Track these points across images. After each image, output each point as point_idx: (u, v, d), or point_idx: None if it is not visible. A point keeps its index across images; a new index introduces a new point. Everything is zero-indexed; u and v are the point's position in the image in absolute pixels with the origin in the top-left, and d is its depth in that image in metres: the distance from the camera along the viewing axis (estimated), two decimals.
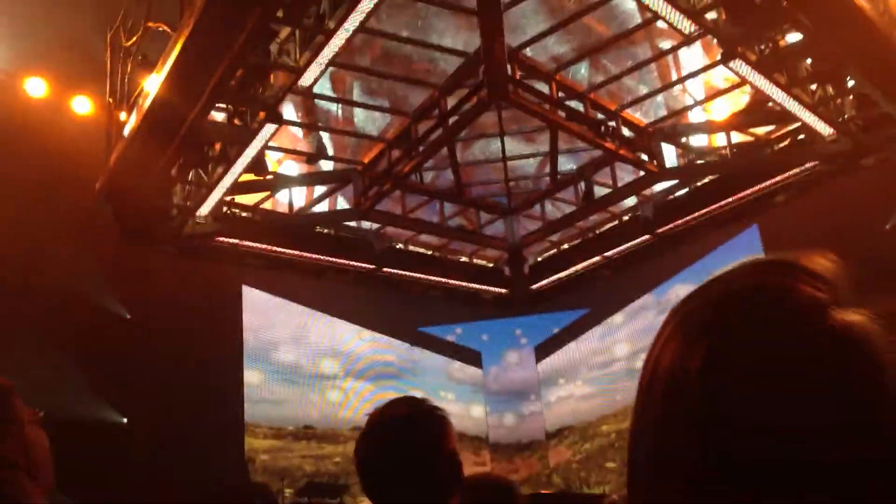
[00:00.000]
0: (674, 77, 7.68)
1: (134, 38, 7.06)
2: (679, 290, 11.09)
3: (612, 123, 7.49)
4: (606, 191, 8.72)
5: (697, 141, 8.37)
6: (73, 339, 8.94)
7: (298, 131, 8.11)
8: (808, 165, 8.17)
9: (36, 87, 9.34)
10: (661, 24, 6.90)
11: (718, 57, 6.55)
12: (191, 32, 5.54)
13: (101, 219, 7.96)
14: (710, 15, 6.01)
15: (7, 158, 8.64)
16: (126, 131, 6.93)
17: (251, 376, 10.78)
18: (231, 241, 8.28)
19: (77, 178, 7.92)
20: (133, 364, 9.23)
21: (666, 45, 7.31)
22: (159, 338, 9.41)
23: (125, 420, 9.56)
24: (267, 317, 11.12)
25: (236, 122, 6.47)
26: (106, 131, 7.46)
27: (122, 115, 7.13)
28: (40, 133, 8.95)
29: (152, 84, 6.34)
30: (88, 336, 9.09)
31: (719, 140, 8.31)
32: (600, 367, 12.18)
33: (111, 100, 7.47)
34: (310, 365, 11.49)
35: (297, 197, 8.40)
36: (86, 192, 7.56)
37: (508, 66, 6.33)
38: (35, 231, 8.80)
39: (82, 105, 9.58)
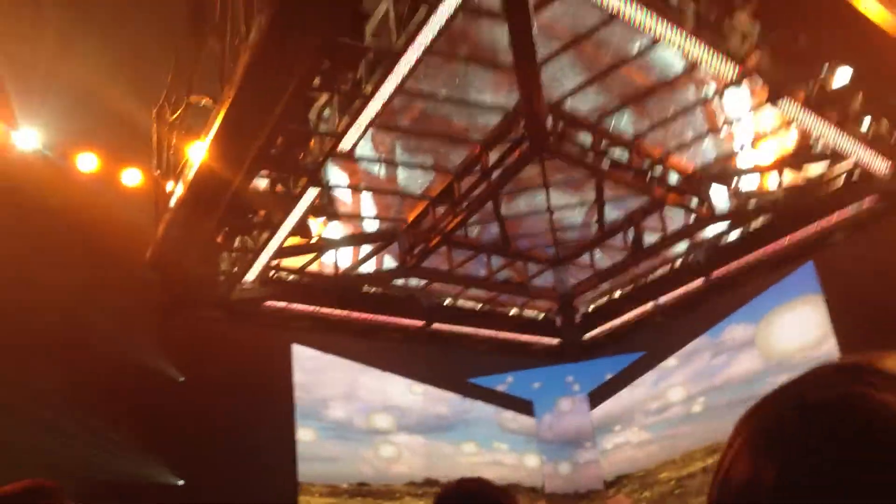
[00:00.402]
0: (720, 120, 7.51)
1: (178, 112, 7.21)
2: (734, 330, 10.79)
3: (659, 169, 7.34)
4: (656, 237, 8.55)
5: (748, 183, 8.17)
6: (129, 404, 9.06)
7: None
8: (864, 201, 7.90)
9: (87, 163, 9.58)
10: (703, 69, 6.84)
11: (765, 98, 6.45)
12: (231, 104, 5.61)
13: (154, 286, 8.08)
14: (755, 57, 5.91)
15: (62, 232, 8.85)
16: (172, 201, 7.05)
17: (304, 434, 10.73)
18: (279, 304, 8.30)
19: (128, 248, 8.04)
20: (188, 426, 9.28)
21: (710, 87, 7.17)
22: (213, 399, 9.46)
23: (181, 482, 9.58)
24: (317, 374, 11.08)
25: (279, 188, 6.51)
26: (154, 202, 7.61)
27: (169, 186, 7.26)
28: (92, 206, 9.15)
29: (196, 155, 6.43)
30: (144, 400, 9.20)
31: (770, 180, 8.10)
32: (656, 413, 11.84)
33: (158, 171, 7.62)
34: (362, 421, 11.40)
35: (342, 257, 8.38)
36: (137, 261, 7.68)
37: (549, 119, 6.25)
38: (89, 301, 8.97)
39: (132, 177, 9.79)
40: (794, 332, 10.01)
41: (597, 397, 12.21)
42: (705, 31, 5.45)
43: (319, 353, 10.85)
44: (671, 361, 11.55)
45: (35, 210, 8.83)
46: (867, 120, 6.72)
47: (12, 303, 8.72)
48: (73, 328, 8.97)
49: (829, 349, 9.28)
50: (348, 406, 11.35)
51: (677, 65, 6.72)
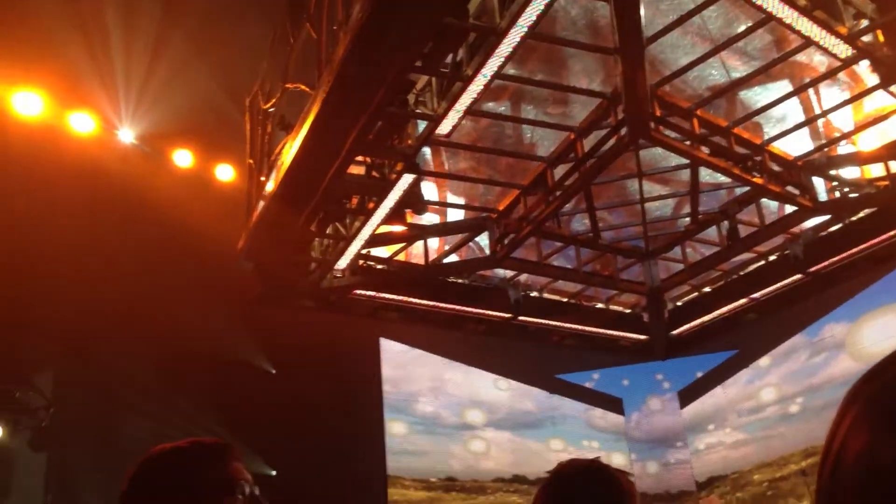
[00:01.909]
0: (816, 110, 7.25)
1: (273, 101, 7.30)
2: (833, 328, 10.43)
3: (759, 158, 7.12)
4: (750, 230, 8.31)
5: (849, 173, 7.86)
6: (223, 395, 9.30)
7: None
8: None
9: (182, 159, 9.82)
10: (801, 56, 6.62)
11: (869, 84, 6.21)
12: (330, 89, 5.61)
13: (246, 279, 8.22)
14: (866, 38, 5.69)
15: (157, 227, 9.11)
16: (266, 191, 7.14)
17: (393, 427, 10.82)
18: (367, 293, 8.34)
19: (222, 242, 8.20)
20: (280, 418, 9.47)
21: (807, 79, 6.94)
22: (303, 391, 9.63)
23: (274, 473, 9.73)
24: (405, 368, 11.16)
25: (374, 174, 6.52)
26: (247, 193, 7.72)
27: (263, 178, 7.36)
28: (187, 202, 9.37)
29: (291, 144, 6.49)
30: (237, 392, 9.40)
31: (874, 171, 7.78)
32: (750, 413, 11.52)
33: (251, 162, 7.73)
34: (450, 415, 11.43)
35: (431, 247, 8.38)
36: (230, 255, 7.82)
37: (649, 104, 6.12)
38: (183, 295, 9.21)
39: (225, 173, 10.00)
40: (885, 335, 9.66)
41: (687, 396, 11.95)
42: (818, 9, 5.27)
43: (407, 347, 10.93)
44: (765, 360, 11.23)
45: (132, 205, 9.09)
46: None
47: (112, 296, 9.02)
48: (169, 321, 9.22)
49: None
50: (436, 401, 11.40)
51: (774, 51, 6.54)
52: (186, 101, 9.03)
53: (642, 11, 5.17)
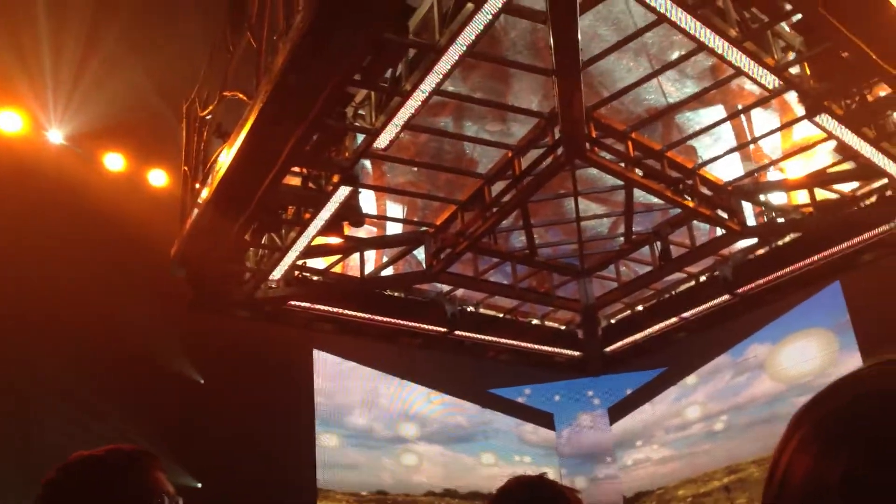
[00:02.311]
0: (751, 134, 7.48)
1: (210, 108, 7.20)
2: (757, 349, 10.75)
3: (690, 181, 7.29)
4: (682, 251, 8.50)
5: (777, 199, 8.11)
6: (148, 405, 9.05)
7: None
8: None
9: (114, 162, 9.61)
10: (734, 83, 6.83)
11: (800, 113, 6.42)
12: (268, 98, 5.56)
13: (176, 286, 8.06)
14: (793, 70, 5.87)
15: (86, 230, 8.90)
16: (200, 198, 7.02)
17: (325, 440, 10.72)
18: (302, 304, 8.26)
19: (152, 248, 8.06)
20: (207, 428, 9.27)
21: (744, 100, 7.15)
22: (233, 402, 9.47)
23: (199, 485, 9.54)
24: (338, 381, 11.08)
25: (311, 185, 6.47)
26: (181, 200, 7.58)
27: (197, 185, 7.24)
28: (118, 206, 9.17)
29: (227, 152, 6.40)
30: (164, 401, 9.20)
31: (800, 197, 8.04)
32: (677, 430, 11.78)
33: (186, 169, 7.61)
34: (382, 428, 11.39)
35: (367, 260, 8.35)
36: (161, 261, 7.67)
37: (585, 125, 6.22)
38: (112, 300, 9.00)
39: (158, 178, 9.83)
40: (804, 358, 10.00)
41: (617, 412, 12.13)
42: (748, 40, 5.42)
43: (340, 359, 10.86)
44: (692, 379, 11.49)
45: (61, 207, 8.88)
46: None
47: (36, 297, 8.76)
48: (96, 326, 9.01)
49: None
50: (368, 413, 11.34)
51: (709, 78, 6.72)
52: (119, 102, 8.84)
53: (580, 34, 5.27)
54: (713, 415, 11.17)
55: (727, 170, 7.84)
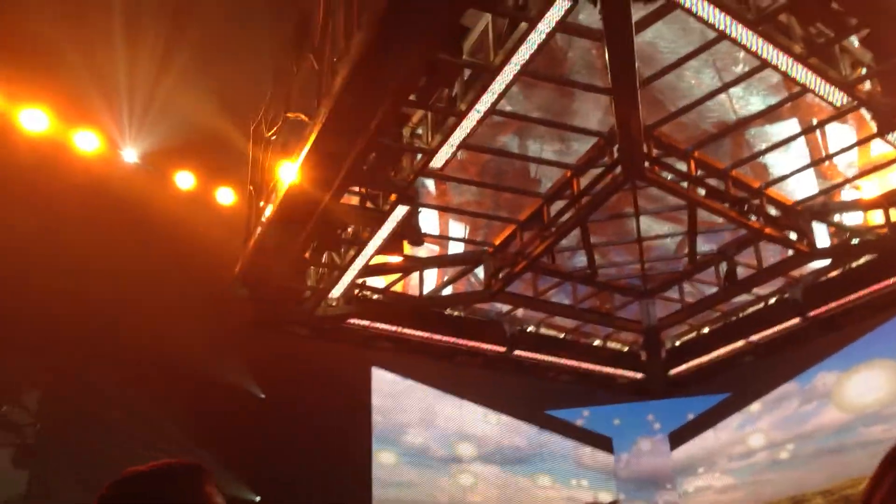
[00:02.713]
0: (823, 152, 7.22)
1: (274, 129, 7.33)
2: (825, 377, 10.41)
3: (756, 202, 7.09)
4: (750, 272, 8.26)
5: (851, 219, 7.82)
6: (210, 419, 9.21)
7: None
8: None
9: (185, 180, 9.84)
10: (809, 97, 6.60)
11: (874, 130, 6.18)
12: (326, 119, 5.64)
13: (241, 303, 8.19)
14: (864, 86, 5.67)
15: (157, 247, 9.16)
16: (264, 217, 7.15)
17: (382, 458, 10.74)
18: (361, 322, 8.30)
19: (219, 265, 8.20)
20: (267, 443, 9.38)
21: (814, 120, 6.90)
22: (292, 418, 9.56)
23: (258, 498, 9.66)
24: (396, 399, 11.11)
25: (369, 205, 6.52)
26: (246, 218, 7.72)
27: (262, 204, 7.37)
28: (188, 223, 9.38)
29: (289, 171, 6.50)
30: (226, 415, 9.36)
31: (876, 217, 7.73)
32: (740, 458, 11.44)
33: (251, 188, 7.75)
34: (438, 448, 11.34)
35: (427, 279, 8.36)
36: (227, 278, 7.80)
37: (644, 144, 6.12)
38: (179, 316, 9.20)
39: (226, 196, 10.02)
40: (870, 388, 9.63)
41: (678, 438, 11.85)
42: (814, 56, 5.26)
43: (398, 377, 10.89)
44: (757, 405, 11.17)
45: (132, 224, 9.13)
46: None
47: (104, 315, 9.02)
48: (160, 341, 9.22)
49: None
50: (426, 433, 11.33)
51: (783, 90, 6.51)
52: (190, 122, 9.04)
53: (641, 50, 5.19)
54: (778, 443, 10.82)
55: (800, 186, 7.60)
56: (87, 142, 9.16)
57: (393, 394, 11.11)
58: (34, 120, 8.78)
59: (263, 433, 9.35)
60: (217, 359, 9.63)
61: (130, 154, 9.53)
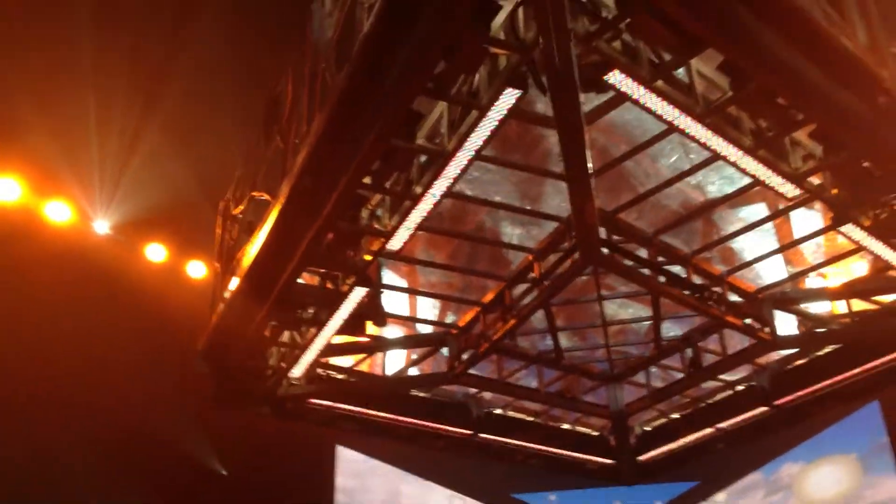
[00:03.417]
0: (787, 240, 7.26)
1: (240, 207, 7.39)
2: (791, 468, 10.32)
3: (718, 289, 7.11)
4: (716, 358, 8.23)
5: (818, 307, 7.82)
6: (171, 492, 9.05)
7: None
8: None
9: (156, 253, 9.88)
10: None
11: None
12: (286, 199, 5.71)
13: (204, 379, 8.12)
14: (817, 179, 5.76)
15: (124, 319, 9.10)
16: (228, 292, 7.14)
17: None
18: (324, 402, 8.21)
19: (188, 338, 8.17)
20: None
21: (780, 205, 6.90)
22: (254, 496, 9.39)
23: None
24: (360, 479, 10.94)
25: (328, 285, 6.52)
26: (212, 293, 7.71)
27: (227, 279, 7.36)
28: (158, 295, 9.37)
29: (252, 246, 6.53)
30: (187, 489, 9.19)
31: (841, 307, 7.74)
32: None
33: (217, 265, 7.76)
34: None
35: (392, 359, 8.30)
36: (194, 352, 7.74)
37: (603, 230, 6.16)
38: (144, 387, 9.14)
39: (197, 270, 10.06)
40: (831, 482, 9.58)
41: None
42: (763, 149, 5.35)
43: (364, 456, 10.75)
44: (722, 496, 11.02)
45: (103, 295, 9.12)
46: None
47: (67, 379, 8.93)
48: (122, 410, 9.13)
49: None
50: None
51: (738, 181, 6.58)
52: (161, 195, 9.18)
53: (593, 139, 5.28)
54: None
55: (767, 271, 7.61)
56: (58, 212, 9.27)
57: (358, 473, 10.94)
58: (6, 189, 8.90)
59: None
60: (181, 432, 9.53)
61: (102, 225, 9.59)
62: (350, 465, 10.81)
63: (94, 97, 8.49)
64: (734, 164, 5.36)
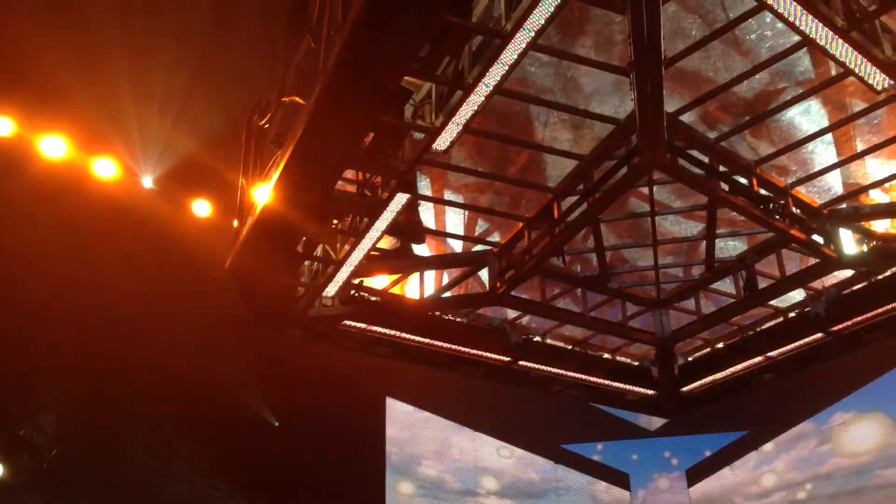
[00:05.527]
0: (855, 149, 6.71)
1: (267, 116, 6.88)
2: (842, 417, 9.98)
3: (782, 201, 6.59)
4: (770, 282, 7.75)
5: (881, 225, 7.31)
6: (224, 444, 9.31)
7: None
8: None
9: (201, 208, 9.92)
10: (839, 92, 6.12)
11: None
12: (321, 95, 5.19)
13: (256, 329, 8.10)
14: None
15: (175, 272, 9.39)
16: (255, 208, 6.68)
17: (397, 489, 10.54)
18: (358, 325, 7.81)
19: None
20: (280, 469, 9.26)
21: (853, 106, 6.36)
22: (305, 446, 9.48)
23: None
24: (411, 430, 11.04)
25: (367, 192, 6.05)
26: (237, 211, 7.27)
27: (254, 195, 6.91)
28: (204, 249, 9.21)
29: (281, 157, 6.05)
30: (240, 440, 9.40)
31: None
32: (758, 497, 11.00)
33: (243, 180, 7.29)
34: (454, 481, 11.18)
35: (428, 280, 7.87)
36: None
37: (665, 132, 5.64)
38: (197, 342, 9.36)
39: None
40: (868, 437, 9.28)
41: (695, 475, 11.43)
42: (855, 32, 4.80)
43: (413, 408, 10.76)
44: (772, 445, 10.74)
45: (153, 249, 9.46)
46: None
47: (119, 340, 9.03)
48: (181, 366, 9.42)
49: None
50: (440, 464, 11.11)
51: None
52: (199, 145, 9.00)
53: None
54: (796, 483, 10.40)
55: (829, 188, 7.09)
56: (105, 168, 9.46)
57: (408, 425, 10.97)
58: (53, 147, 9.17)
59: (276, 460, 9.21)
60: (235, 384, 9.57)
61: (147, 181, 9.65)
62: (400, 416, 10.92)
63: (133, 65, 8.43)
64: (823, 49, 4.81)
